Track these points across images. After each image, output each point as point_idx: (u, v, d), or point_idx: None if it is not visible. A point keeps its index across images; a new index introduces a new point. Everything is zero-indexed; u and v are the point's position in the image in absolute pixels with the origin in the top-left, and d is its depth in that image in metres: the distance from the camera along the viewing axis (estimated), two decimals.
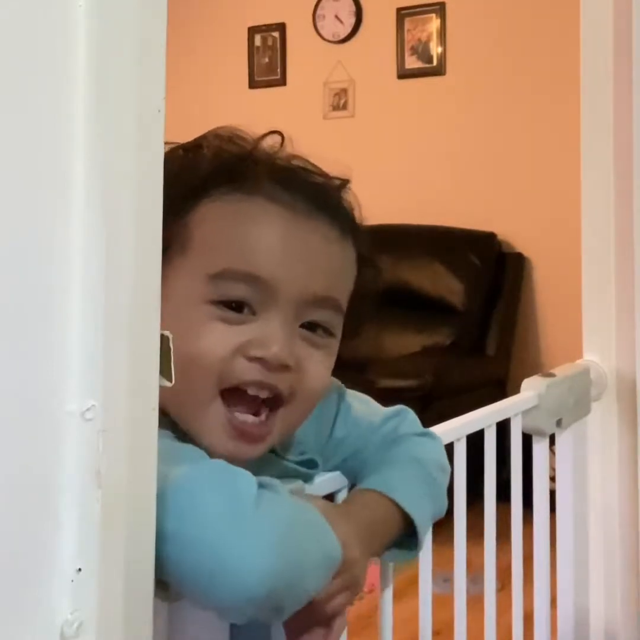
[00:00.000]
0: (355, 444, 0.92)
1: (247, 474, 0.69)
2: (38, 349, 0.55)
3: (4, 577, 0.54)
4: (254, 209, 0.77)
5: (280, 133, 0.83)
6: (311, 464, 0.87)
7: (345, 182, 0.85)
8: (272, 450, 0.82)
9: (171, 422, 0.77)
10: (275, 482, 0.71)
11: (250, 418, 0.77)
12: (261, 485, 0.68)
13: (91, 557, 0.57)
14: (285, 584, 0.66)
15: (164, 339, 0.67)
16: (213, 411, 0.76)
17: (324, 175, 0.83)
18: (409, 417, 0.96)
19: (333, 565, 0.72)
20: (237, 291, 0.76)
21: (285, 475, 0.81)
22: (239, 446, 0.76)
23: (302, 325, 0.79)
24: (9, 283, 0.54)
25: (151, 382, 0.62)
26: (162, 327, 0.62)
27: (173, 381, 0.72)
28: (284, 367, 0.76)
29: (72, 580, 0.57)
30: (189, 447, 0.74)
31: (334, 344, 0.82)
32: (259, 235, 0.77)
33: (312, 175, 0.83)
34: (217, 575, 0.64)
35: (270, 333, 0.76)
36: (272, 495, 0.68)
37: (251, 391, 0.76)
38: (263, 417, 0.77)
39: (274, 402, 0.78)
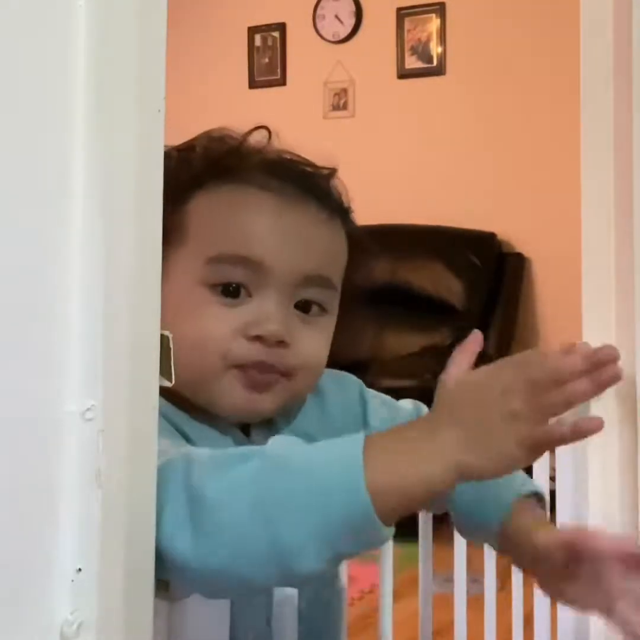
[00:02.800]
0: None
1: (204, 455, 0.68)
2: (38, 349, 0.55)
3: (4, 577, 0.54)
4: (246, 197, 0.82)
5: (266, 127, 0.87)
6: None
7: (333, 171, 0.89)
8: (274, 425, 0.85)
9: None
10: (275, 446, 0.69)
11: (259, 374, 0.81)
12: (250, 456, 0.66)
13: (91, 557, 0.57)
14: (244, 563, 0.63)
15: (164, 339, 0.67)
16: (227, 379, 0.80)
17: (312, 165, 0.88)
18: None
19: (356, 523, 0.62)
20: (233, 274, 0.80)
21: None
22: (253, 397, 0.80)
23: (297, 305, 0.83)
24: (9, 283, 0.54)
25: (151, 382, 0.62)
26: (163, 309, 0.62)
27: (173, 381, 0.72)
28: (281, 343, 0.80)
29: (72, 580, 0.57)
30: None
31: (330, 320, 0.86)
32: (251, 220, 0.82)
33: (300, 165, 0.87)
34: (174, 562, 0.65)
35: (266, 312, 0.80)
36: (245, 470, 0.65)
37: (253, 373, 0.80)
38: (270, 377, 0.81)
39: (277, 372, 0.82)
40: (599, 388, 0.65)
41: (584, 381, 0.64)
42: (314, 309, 0.84)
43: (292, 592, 0.84)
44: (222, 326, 0.80)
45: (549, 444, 0.66)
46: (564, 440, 0.64)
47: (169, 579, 0.67)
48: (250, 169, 0.83)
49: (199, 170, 0.84)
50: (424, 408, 0.97)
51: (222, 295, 0.81)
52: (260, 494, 0.63)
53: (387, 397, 0.98)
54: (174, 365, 0.71)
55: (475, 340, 0.73)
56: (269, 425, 0.86)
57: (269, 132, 0.87)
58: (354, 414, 0.93)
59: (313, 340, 0.83)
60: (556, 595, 0.84)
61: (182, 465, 0.67)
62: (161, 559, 0.64)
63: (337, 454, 0.64)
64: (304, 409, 0.88)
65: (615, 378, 0.65)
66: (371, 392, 0.97)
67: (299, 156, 0.88)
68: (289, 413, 0.87)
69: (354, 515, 0.61)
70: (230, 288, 0.80)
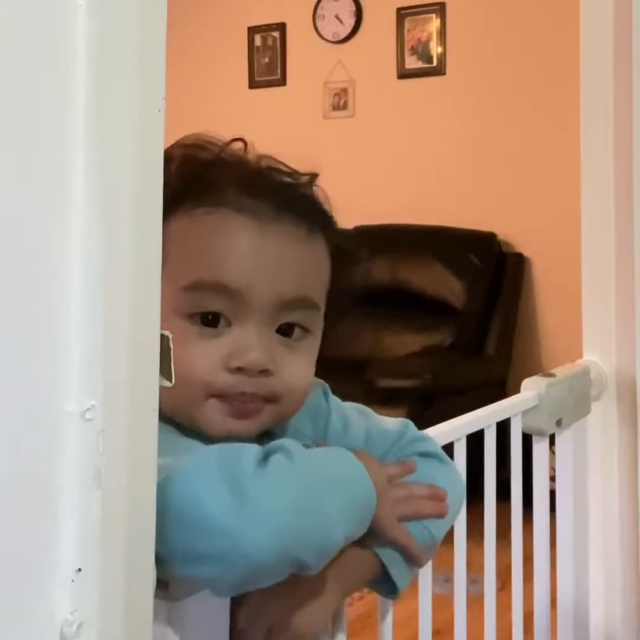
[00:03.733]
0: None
1: (246, 447, 0.72)
2: (38, 349, 0.55)
3: (4, 577, 0.54)
4: (220, 221, 0.80)
5: (242, 139, 0.85)
6: None
7: (313, 177, 0.87)
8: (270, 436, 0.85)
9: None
10: (289, 442, 0.74)
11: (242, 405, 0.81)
12: (271, 451, 0.72)
13: (91, 557, 0.57)
14: (299, 545, 0.69)
15: (164, 339, 0.67)
16: (208, 407, 0.80)
17: (292, 173, 0.85)
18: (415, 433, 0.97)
19: (368, 507, 0.77)
20: (210, 303, 0.78)
21: None
22: (234, 423, 0.80)
23: (279, 330, 0.81)
24: (9, 283, 0.54)
25: (151, 382, 0.62)
26: None
27: (173, 381, 0.72)
28: (264, 372, 0.79)
29: (72, 580, 0.57)
30: (192, 442, 0.78)
31: (313, 340, 0.85)
32: (226, 246, 0.79)
33: (279, 175, 0.85)
34: (225, 556, 0.67)
35: (247, 341, 0.79)
36: (279, 460, 0.71)
37: (236, 404, 0.80)
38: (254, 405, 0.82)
39: (261, 399, 0.82)
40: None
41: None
42: (297, 331, 0.82)
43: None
44: (202, 359, 0.78)
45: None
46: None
47: (207, 566, 0.68)
48: (226, 187, 0.81)
49: (173, 189, 0.78)
50: (411, 425, 0.97)
51: (201, 325, 0.79)
52: (304, 479, 0.71)
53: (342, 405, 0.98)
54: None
55: None
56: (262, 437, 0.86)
57: (245, 144, 0.85)
58: (321, 410, 0.93)
59: (297, 364, 0.82)
60: None
61: (220, 456, 0.70)
62: (205, 543, 0.67)
63: (343, 458, 0.78)
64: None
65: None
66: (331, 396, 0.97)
67: (278, 163, 0.85)
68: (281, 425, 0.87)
69: (366, 502, 0.77)
70: (208, 317, 0.79)
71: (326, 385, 0.95)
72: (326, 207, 0.86)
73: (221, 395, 0.79)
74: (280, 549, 0.68)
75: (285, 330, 0.82)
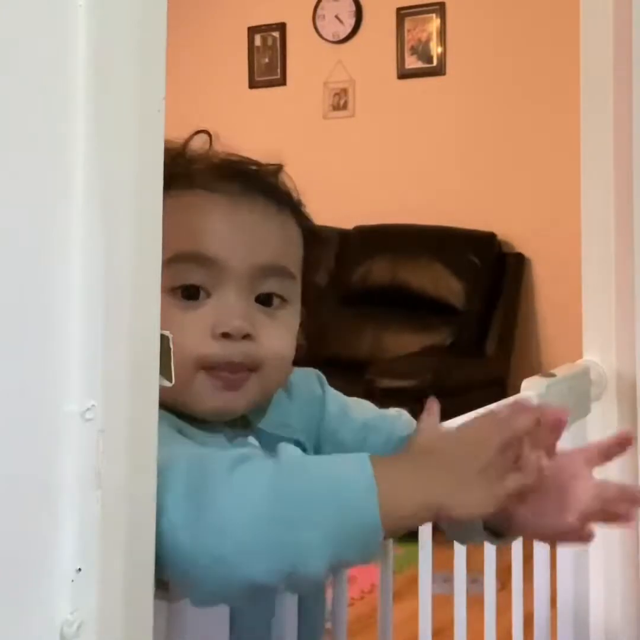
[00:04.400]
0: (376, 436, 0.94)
1: (218, 454, 0.72)
2: (38, 349, 0.55)
3: (4, 577, 0.54)
4: (193, 199, 0.83)
5: (207, 131, 0.88)
6: (299, 447, 0.89)
7: (279, 167, 0.90)
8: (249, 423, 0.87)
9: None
10: (287, 449, 0.73)
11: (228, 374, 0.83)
12: (240, 460, 0.69)
13: (91, 557, 0.57)
14: (253, 565, 0.66)
15: (164, 339, 0.67)
16: (198, 381, 0.82)
17: (257, 163, 0.89)
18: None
19: (369, 537, 0.69)
20: (190, 275, 0.81)
21: None
22: (224, 396, 0.82)
23: (258, 299, 0.84)
24: (9, 283, 0.54)
25: (151, 382, 0.62)
26: None
27: (173, 381, 0.73)
28: (247, 336, 0.82)
29: (72, 580, 0.57)
30: (180, 439, 0.77)
31: (293, 310, 0.87)
32: (201, 219, 0.83)
33: (245, 165, 0.88)
34: (175, 568, 0.66)
35: (228, 309, 0.82)
36: (258, 469, 0.69)
37: (224, 374, 0.82)
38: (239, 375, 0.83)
39: (246, 369, 0.84)
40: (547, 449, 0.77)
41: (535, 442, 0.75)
42: (276, 301, 0.85)
43: (293, 595, 0.84)
44: (188, 330, 0.80)
45: (520, 486, 0.73)
46: (528, 488, 0.74)
47: (167, 574, 0.67)
48: (196, 173, 0.84)
49: None
50: (405, 414, 0.98)
51: (183, 299, 0.81)
52: (279, 494, 0.67)
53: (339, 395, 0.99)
54: None
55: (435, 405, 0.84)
56: (244, 422, 0.87)
57: (210, 136, 0.88)
58: (316, 396, 0.95)
59: (277, 332, 0.85)
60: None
61: (190, 460, 0.69)
62: (161, 551, 0.65)
63: (349, 473, 0.70)
64: (277, 401, 0.90)
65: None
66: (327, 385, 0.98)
67: (244, 157, 0.89)
68: (261, 408, 0.88)
69: (364, 528, 0.68)
70: (189, 290, 0.82)
71: (321, 374, 0.97)
72: (294, 193, 0.90)
73: (210, 368, 0.81)
74: (226, 566, 0.66)
75: (264, 300, 0.85)
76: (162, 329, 0.76)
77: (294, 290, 0.87)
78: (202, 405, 0.82)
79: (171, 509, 0.66)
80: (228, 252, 0.82)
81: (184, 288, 0.81)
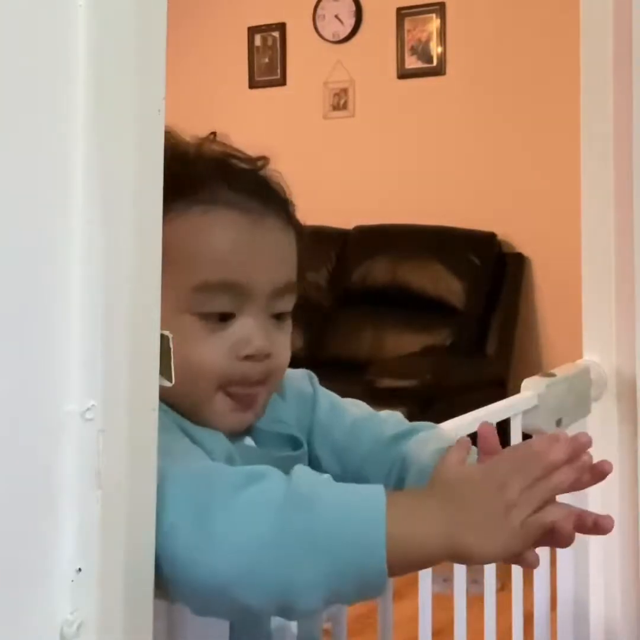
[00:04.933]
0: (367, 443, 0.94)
1: (225, 470, 0.72)
2: (38, 349, 0.55)
3: (4, 577, 0.54)
4: (216, 219, 0.84)
5: (214, 133, 0.89)
6: (295, 442, 0.91)
7: (267, 161, 0.90)
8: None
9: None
10: (302, 473, 0.71)
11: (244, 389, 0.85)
12: (253, 479, 0.69)
13: (91, 557, 0.58)
14: (246, 589, 0.66)
15: (164, 339, 0.67)
16: (217, 400, 0.84)
17: (251, 160, 0.89)
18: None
19: (371, 578, 0.67)
20: (220, 301, 0.83)
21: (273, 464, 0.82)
22: (239, 416, 0.85)
23: (272, 316, 0.87)
24: (9, 283, 0.54)
25: (151, 382, 0.62)
26: None
27: (173, 381, 0.73)
28: (267, 356, 0.85)
29: (72, 580, 0.57)
30: (190, 447, 0.78)
31: (290, 319, 0.90)
32: (227, 243, 0.84)
33: (255, 173, 0.88)
34: (170, 579, 0.66)
35: (250, 330, 0.84)
36: (265, 491, 0.69)
37: (237, 390, 0.84)
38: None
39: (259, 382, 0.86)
40: (581, 476, 0.73)
41: (567, 470, 0.72)
42: (282, 316, 0.88)
43: None
44: (214, 351, 0.82)
45: (543, 528, 0.70)
46: (558, 527, 0.70)
47: (163, 582, 0.67)
48: (213, 186, 0.84)
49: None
50: (397, 414, 0.98)
51: (210, 322, 0.83)
52: (284, 526, 0.66)
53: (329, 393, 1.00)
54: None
55: (467, 443, 0.78)
56: None
57: (214, 136, 0.88)
58: (307, 394, 0.96)
59: (286, 343, 0.88)
60: None
61: (196, 474, 0.70)
62: (159, 562, 0.65)
63: (360, 512, 0.67)
64: (271, 400, 0.91)
65: (593, 467, 0.74)
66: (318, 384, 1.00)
67: (235, 149, 0.89)
68: None
69: (367, 571, 0.67)
70: (217, 314, 0.83)
71: (313, 374, 0.99)
72: (286, 190, 0.91)
73: (230, 386, 0.83)
74: (222, 585, 0.66)
75: (276, 315, 0.87)
76: (186, 349, 0.80)
77: (294, 301, 0.89)
78: (219, 424, 0.84)
79: (172, 523, 0.66)
80: (254, 276, 0.84)
81: (213, 314, 0.83)
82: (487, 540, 0.68)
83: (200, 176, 0.84)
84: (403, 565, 0.69)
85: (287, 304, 0.88)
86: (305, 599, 0.67)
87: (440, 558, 0.69)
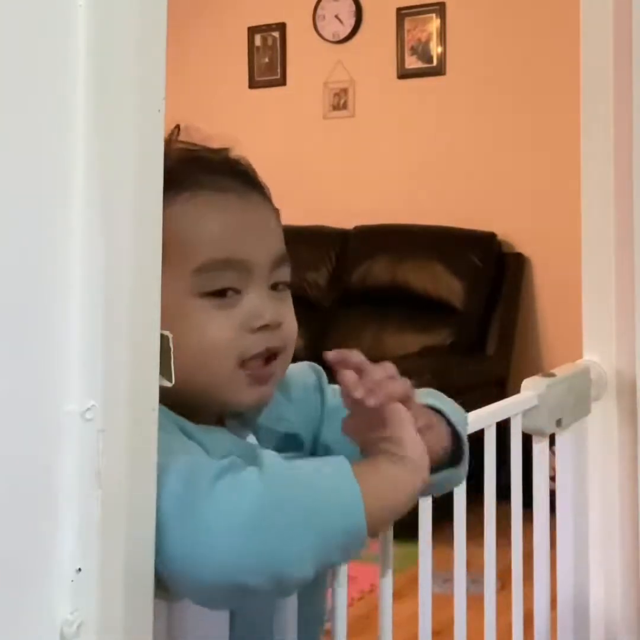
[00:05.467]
0: None
1: (207, 463, 0.73)
2: (38, 349, 0.55)
3: (4, 577, 0.54)
4: (208, 201, 0.86)
5: (178, 125, 0.91)
6: (298, 441, 0.92)
7: (229, 149, 0.92)
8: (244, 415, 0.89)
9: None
10: (268, 456, 0.75)
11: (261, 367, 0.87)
12: (238, 465, 0.72)
13: (91, 557, 0.58)
14: (245, 569, 0.68)
15: (164, 339, 0.68)
16: (235, 378, 0.85)
17: (215, 150, 0.91)
18: None
19: (354, 539, 0.74)
20: (223, 279, 0.85)
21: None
22: (259, 391, 0.86)
23: (270, 287, 0.89)
24: (10, 283, 0.54)
25: (151, 382, 0.62)
26: (162, 326, 0.65)
27: (173, 381, 0.73)
28: (279, 324, 0.87)
29: (72, 580, 0.57)
30: (189, 447, 0.77)
31: (289, 291, 0.92)
32: (223, 222, 0.86)
33: (226, 157, 0.91)
34: (170, 572, 0.67)
35: (259, 303, 0.86)
36: (240, 477, 0.71)
37: (256, 366, 0.86)
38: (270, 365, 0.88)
39: (274, 355, 0.88)
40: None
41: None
42: (280, 286, 0.90)
43: (293, 597, 0.84)
44: (226, 328, 0.84)
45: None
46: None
47: (160, 573, 0.68)
48: (188, 172, 0.86)
49: None
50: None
51: (216, 300, 0.84)
52: (265, 502, 0.70)
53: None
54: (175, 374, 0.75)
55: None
56: (242, 420, 0.90)
57: (178, 128, 0.90)
58: (312, 384, 0.97)
59: (290, 313, 0.90)
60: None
61: (184, 466, 0.70)
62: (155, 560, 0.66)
63: (334, 482, 0.74)
64: (273, 397, 0.91)
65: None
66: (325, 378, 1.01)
67: (197, 143, 0.90)
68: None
69: (350, 535, 0.73)
70: (222, 292, 0.84)
71: (315, 364, 1.00)
72: (256, 170, 0.93)
73: (249, 361, 0.85)
74: (218, 571, 0.68)
75: (273, 286, 0.89)
76: (197, 331, 0.82)
77: (289, 273, 0.92)
78: (239, 400, 0.86)
79: (160, 522, 0.67)
80: (253, 252, 0.86)
81: (217, 291, 0.84)
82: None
83: (176, 170, 0.84)
84: (380, 514, 0.76)
85: (285, 273, 0.89)
86: (299, 567, 0.70)
87: (410, 496, 0.78)
